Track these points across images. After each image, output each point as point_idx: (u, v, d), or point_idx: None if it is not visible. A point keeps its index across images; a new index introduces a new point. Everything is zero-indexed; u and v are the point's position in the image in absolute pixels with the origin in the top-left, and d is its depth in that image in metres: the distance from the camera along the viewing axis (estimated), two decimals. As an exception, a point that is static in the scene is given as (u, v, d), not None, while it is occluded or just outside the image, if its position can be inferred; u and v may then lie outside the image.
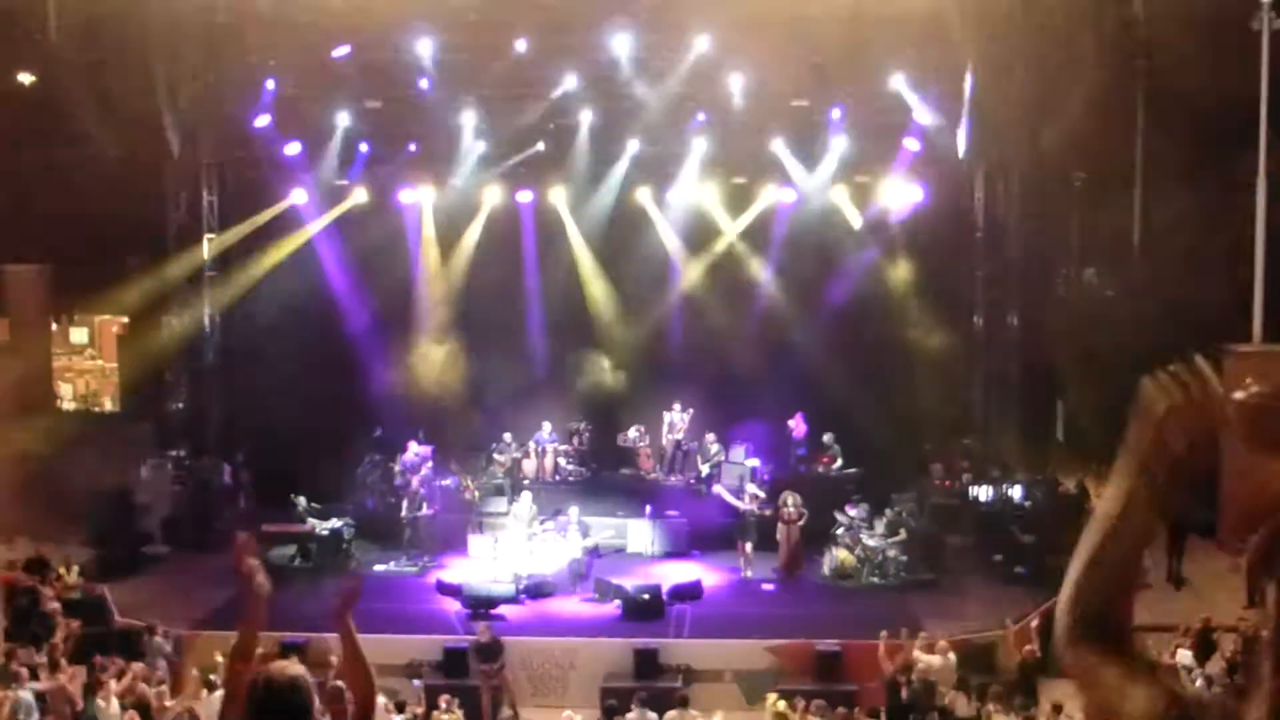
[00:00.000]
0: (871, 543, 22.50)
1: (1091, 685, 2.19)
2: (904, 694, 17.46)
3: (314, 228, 26.48)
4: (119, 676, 16.85)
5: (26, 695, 15.55)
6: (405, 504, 23.37)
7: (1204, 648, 17.51)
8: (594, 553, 22.61)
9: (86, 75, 23.25)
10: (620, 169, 26.24)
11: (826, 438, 25.22)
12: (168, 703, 16.32)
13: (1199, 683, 16.09)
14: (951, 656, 17.97)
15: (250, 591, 4.75)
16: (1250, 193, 22.00)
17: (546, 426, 25.87)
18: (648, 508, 24.29)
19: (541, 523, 22.91)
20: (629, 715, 16.77)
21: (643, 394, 26.30)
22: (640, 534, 24.06)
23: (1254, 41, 21.69)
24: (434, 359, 26.24)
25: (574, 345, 26.53)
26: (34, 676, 16.15)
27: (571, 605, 21.28)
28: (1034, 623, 19.10)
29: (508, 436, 25.62)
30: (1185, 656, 17.30)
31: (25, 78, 25.49)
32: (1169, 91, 23.85)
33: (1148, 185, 25.10)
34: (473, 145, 25.98)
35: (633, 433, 26.32)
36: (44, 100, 24.63)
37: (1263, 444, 2.11)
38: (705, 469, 25.37)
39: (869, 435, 25.11)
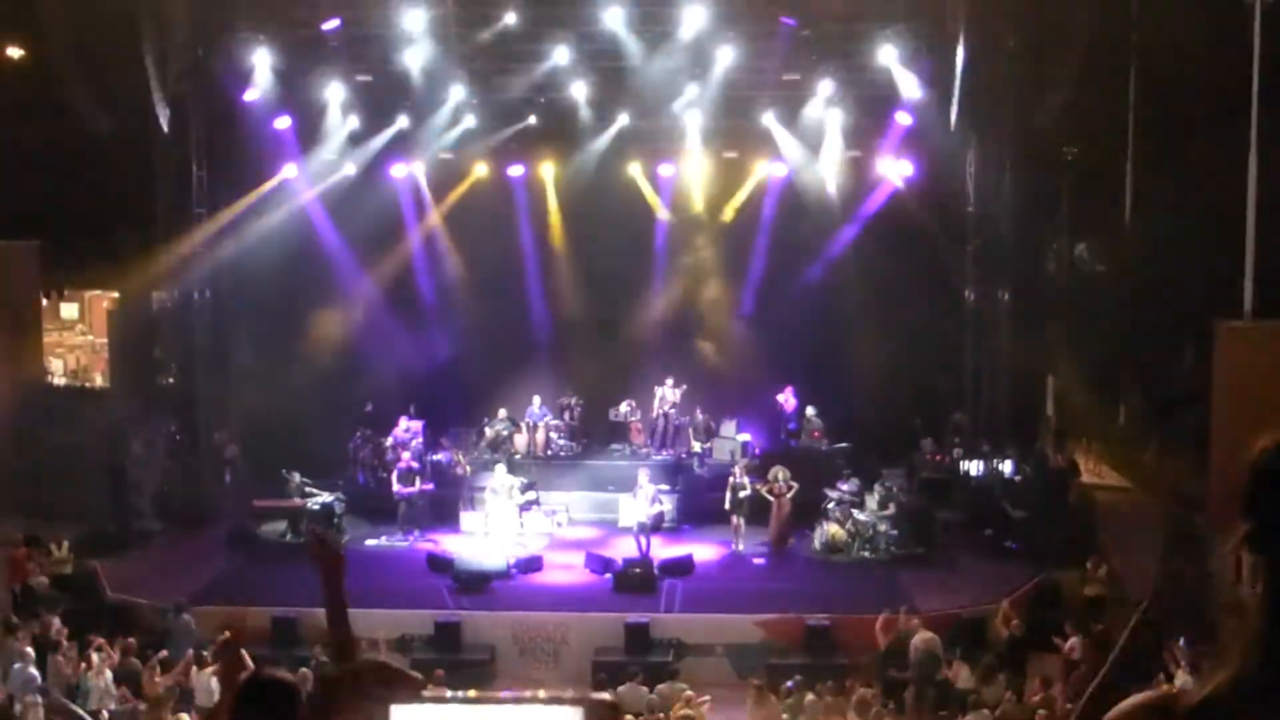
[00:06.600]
0: (862, 517, 22.53)
1: None
2: (908, 662, 17.44)
3: (305, 202, 26.36)
4: (112, 651, 16.92)
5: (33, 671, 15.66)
6: (396, 479, 23.36)
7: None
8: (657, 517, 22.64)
9: (75, 50, 23.11)
10: (611, 142, 26.15)
11: (809, 410, 25.23)
12: (158, 678, 16.34)
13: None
14: (935, 637, 17.96)
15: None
16: (1242, 167, 21.98)
17: (536, 401, 25.83)
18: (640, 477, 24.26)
19: (523, 492, 23.00)
20: (620, 689, 16.81)
21: (634, 369, 26.27)
22: (631, 509, 24.03)
23: (1246, 14, 21.65)
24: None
25: (566, 320, 26.52)
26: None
27: (563, 579, 21.31)
28: (1009, 600, 19.25)
29: (503, 412, 25.58)
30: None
31: (13, 52, 25.34)
32: (1161, 65, 23.79)
33: (1139, 160, 25.04)
34: (463, 119, 25.91)
35: (624, 407, 26.32)
36: (32, 75, 24.50)
37: None
38: (696, 444, 25.37)
39: (860, 410, 25.14)
